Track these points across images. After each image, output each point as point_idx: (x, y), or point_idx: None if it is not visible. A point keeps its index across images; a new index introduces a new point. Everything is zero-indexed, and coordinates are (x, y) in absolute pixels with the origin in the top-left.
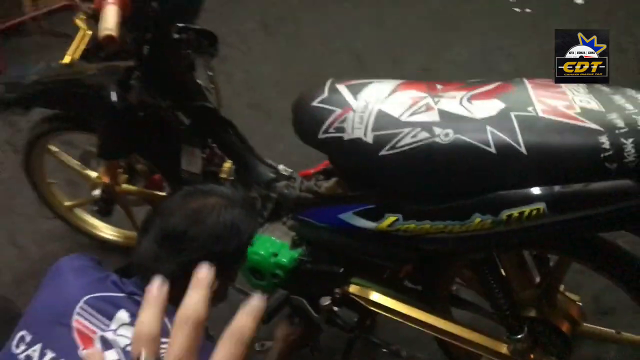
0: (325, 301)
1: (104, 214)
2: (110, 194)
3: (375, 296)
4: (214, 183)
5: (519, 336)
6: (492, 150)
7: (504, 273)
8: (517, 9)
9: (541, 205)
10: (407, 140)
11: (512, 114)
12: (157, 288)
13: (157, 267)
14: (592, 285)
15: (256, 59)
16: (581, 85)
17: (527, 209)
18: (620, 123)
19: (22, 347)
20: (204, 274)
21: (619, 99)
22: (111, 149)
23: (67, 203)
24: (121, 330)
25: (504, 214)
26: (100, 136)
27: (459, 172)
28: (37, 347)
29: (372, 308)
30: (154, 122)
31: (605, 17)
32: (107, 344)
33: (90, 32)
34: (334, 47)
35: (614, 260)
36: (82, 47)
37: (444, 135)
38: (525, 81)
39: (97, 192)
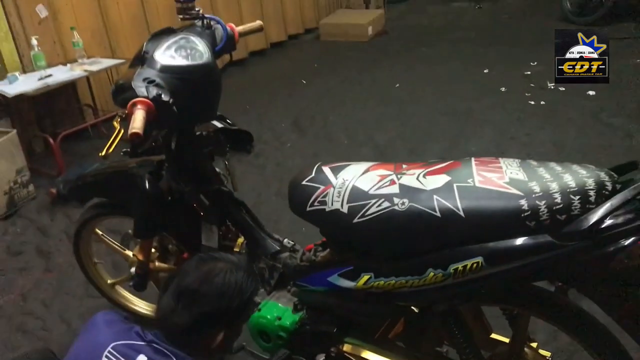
0: (321, 357)
1: (139, 288)
2: (145, 270)
3: (368, 354)
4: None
5: None
6: (438, 214)
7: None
8: (532, 102)
9: (479, 259)
10: (374, 209)
11: (455, 185)
12: None
13: (174, 319)
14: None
15: (287, 153)
16: (516, 160)
17: (468, 263)
18: (537, 189)
19: None
20: None
21: (541, 171)
22: (144, 229)
23: (109, 281)
24: None
25: (451, 268)
26: (136, 218)
27: (414, 234)
28: None
29: None
30: (179, 205)
31: (616, 107)
32: None
33: (122, 131)
34: (358, 141)
35: (559, 311)
36: (116, 142)
37: (401, 204)
38: (472, 160)
39: (133, 269)
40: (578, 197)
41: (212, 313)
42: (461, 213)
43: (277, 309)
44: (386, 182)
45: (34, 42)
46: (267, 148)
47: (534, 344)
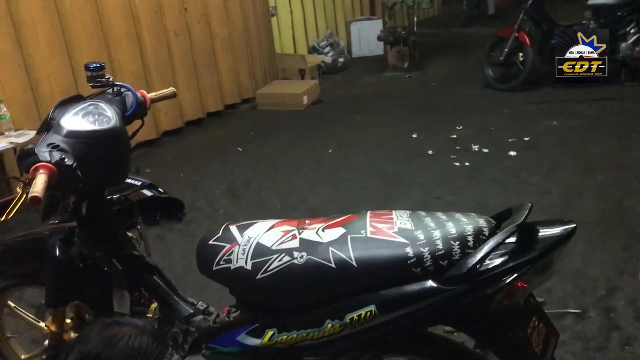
0: None
1: None
2: (59, 342)
3: None
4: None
5: None
6: (333, 265)
7: None
8: (457, 164)
9: (372, 308)
10: (275, 264)
11: (349, 237)
12: None
13: None
14: None
15: (220, 221)
16: (407, 211)
17: (363, 312)
18: (421, 237)
19: None
20: None
21: (428, 220)
22: (56, 297)
23: (23, 357)
24: None
25: (347, 318)
26: (48, 287)
27: (312, 286)
28: None
29: None
30: (91, 271)
31: (534, 167)
32: None
33: (25, 196)
34: (291, 205)
35: (456, 357)
36: (17, 207)
37: (300, 258)
38: (368, 213)
39: (47, 342)
40: (458, 242)
41: None
42: (354, 263)
43: None
44: (288, 237)
45: None
46: (199, 216)
47: None
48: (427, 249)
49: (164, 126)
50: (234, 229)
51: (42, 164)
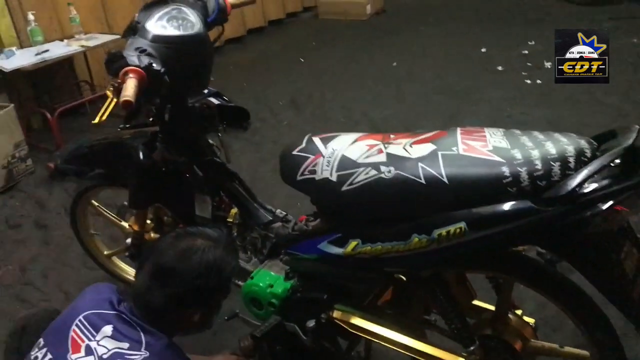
0: (311, 323)
1: (134, 259)
2: (140, 241)
3: (356, 320)
4: (222, 226)
5: (471, 348)
6: (422, 181)
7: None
8: (528, 81)
9: (462, 224)
10: (361, 177)
11: (439, 153)
12: None
13: (149, 297)
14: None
15: (284, 131)
16: (500, 129)
17: (452, 228)
18: (518, 156)
19: (35, 350)
20: None
21: (524, 139)
22: (139, 199)
23: (106, 252)
24: (103, 341)
25: (436, 233)
26: (130, 189)
27: (400, 200)
28: (43, 350)
29: (353, 331)
30: (173, 175)
31: (610, 86)
32: (89, 352)
33: (115, 99)
34: (354, 119)
35: (541, 278)
36: (109, 110)
37: (388, 172)
38: (458, 129)
39: (129, 240)
40: (558, 163)
41: (187, 293)
42: (445, 180)
43: (269, 277)
44: (374, 152)
45: (31, 17)
46: (264, 126)
47: (519, 312)
48: (524, 168)
49: (226, 34)
50: (317, 140)
51: (132, 68)
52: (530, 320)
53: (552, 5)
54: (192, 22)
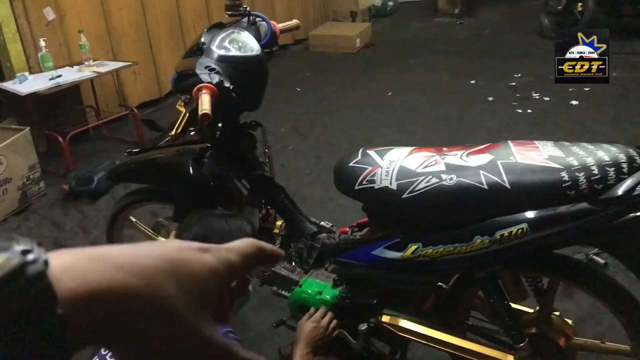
0: (362, 327)
1: None
2: None
3: (404, 323)
4: (269, 238)
5: (521, 344)
6: (485, 187)
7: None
8: (519, 110)
9: (524, 225)
10: (422, 185)
11: (499, 162)
12: None
13: None
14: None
15: (290, 156)
16: (549, 141)
17: (514, 229)
18: (575, 163)
19: None
20: None
21: (575, 149)
22: (185, 212)
23: None
24: None
25: (498, 234)
26: (177, 203)
27: (462, 206)
28: None
29: (401, 334)
30: (221, 189)
31: (597, 116)
32: None
33: (187, 114)
34: (356, 143)
35: (589, 278)
36: (183, 123)
37: (449, 180)
38: (510, 142)
39: None
40: (613, 169)
41: None
42: (507, 185)
43: (317, 285)
44: (431, 162)
45: (42, 43)
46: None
47: (557, 313)
48: (582, 173)
49: None
50: (372, 153)
51: (205, 84)
52: (569, 321)
53: (533, 41)
54: (250, 44)
